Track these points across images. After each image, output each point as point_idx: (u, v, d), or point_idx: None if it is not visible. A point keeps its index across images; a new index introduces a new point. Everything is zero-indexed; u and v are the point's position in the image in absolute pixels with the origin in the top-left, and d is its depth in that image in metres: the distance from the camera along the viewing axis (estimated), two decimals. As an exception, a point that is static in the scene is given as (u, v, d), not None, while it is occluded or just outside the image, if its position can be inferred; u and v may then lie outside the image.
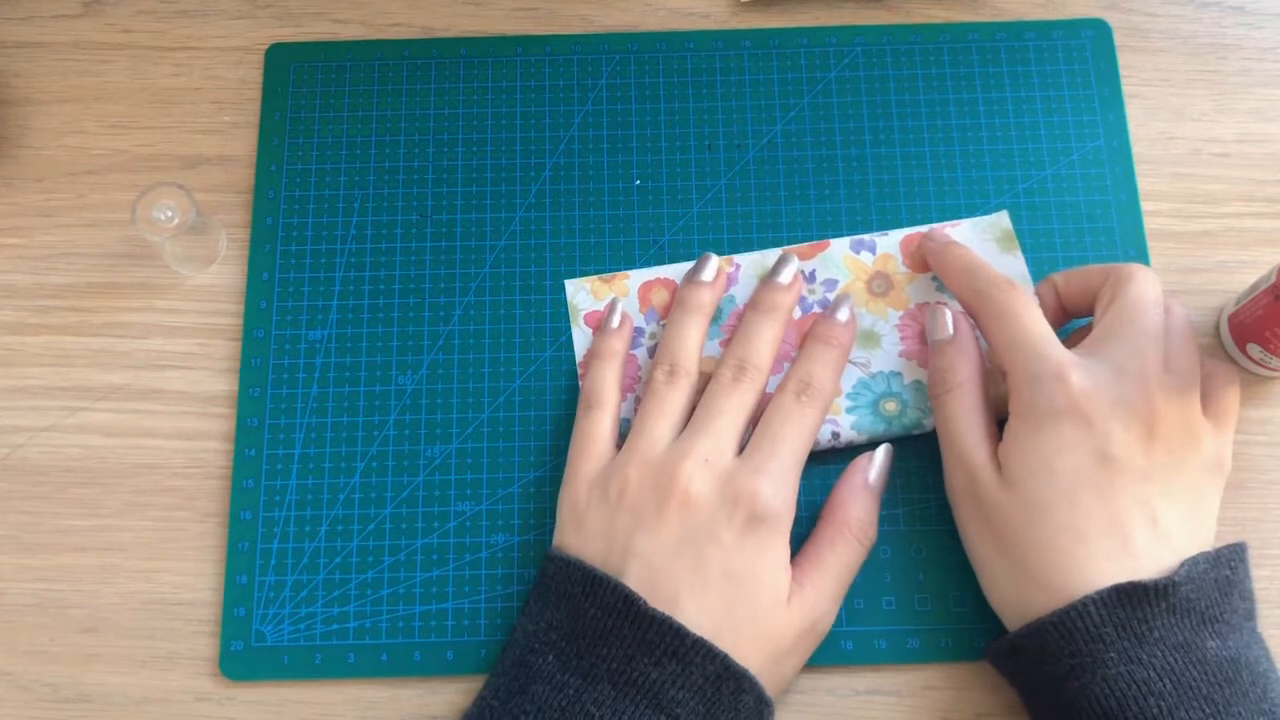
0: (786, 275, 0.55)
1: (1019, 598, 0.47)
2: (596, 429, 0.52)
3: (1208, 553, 0.46)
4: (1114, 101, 0.60)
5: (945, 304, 0.54)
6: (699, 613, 0.46)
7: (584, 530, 0.49)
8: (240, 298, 0.58)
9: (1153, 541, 0.45)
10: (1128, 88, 0.61)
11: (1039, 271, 0.57)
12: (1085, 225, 0.58)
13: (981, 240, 0.57)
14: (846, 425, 0.54)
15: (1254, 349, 0.54)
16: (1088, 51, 0.61)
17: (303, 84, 0.61)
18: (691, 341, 0.53)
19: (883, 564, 0.53)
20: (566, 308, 0.57)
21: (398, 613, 0.53)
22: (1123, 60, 0.61)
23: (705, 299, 0.54)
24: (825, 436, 0.53)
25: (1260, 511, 0.54)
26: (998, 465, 0.48)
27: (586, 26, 0.62)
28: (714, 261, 0.55)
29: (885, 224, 0.58)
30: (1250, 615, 0.46)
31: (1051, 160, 0.59)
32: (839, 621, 0.52)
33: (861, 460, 0.52)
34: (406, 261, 0.58)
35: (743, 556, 0.47)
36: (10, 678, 0.53)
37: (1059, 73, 0.61)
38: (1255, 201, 0.59)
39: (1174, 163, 0.60)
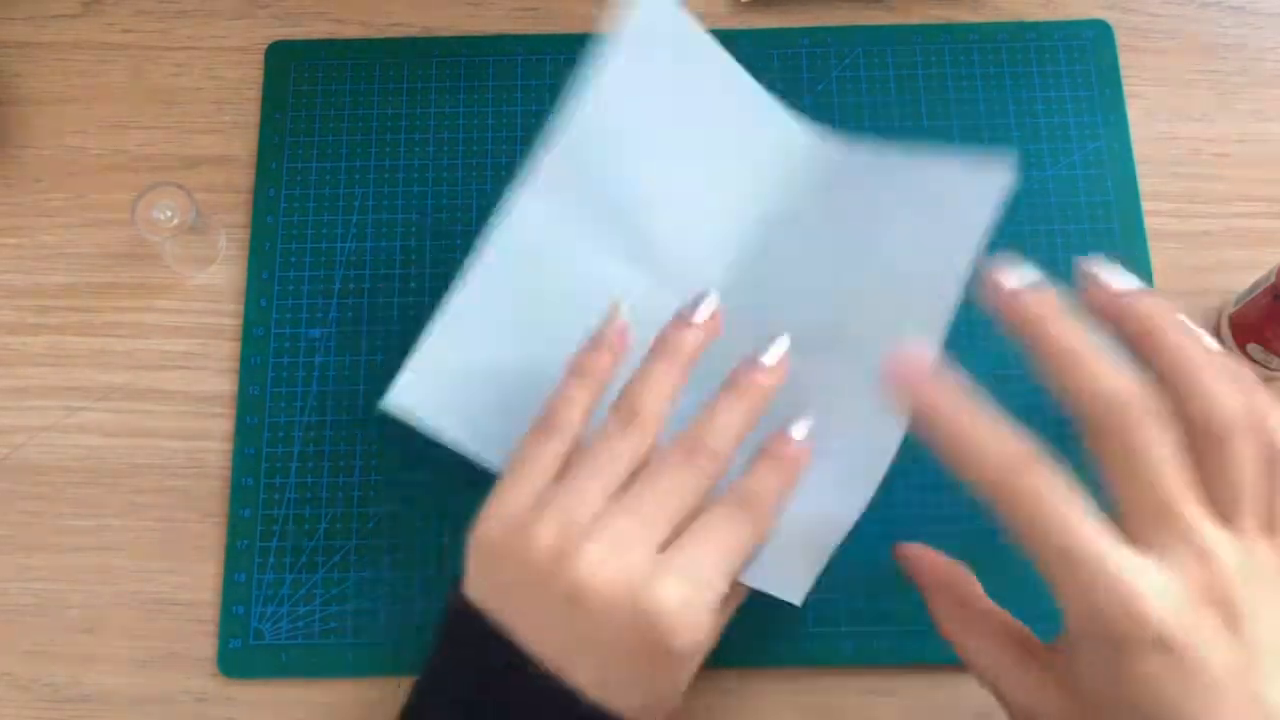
0: (772, 356, 0.46)
1: None
2: (539, 459, 0.44)
3: None
4: (1115, 102, 0.60)
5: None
6: (594, 689, 0.41)
7: (492, 577, 0.43)
8: (240, 297, 0.58)
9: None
10: (1128, 88, 0.61)
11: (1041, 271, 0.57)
12: (1086, 226, 0.58)
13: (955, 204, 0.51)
14: None
15: (1254, 349, 0.54)
16: (1089, 52, 0.61)
17: (303, 83, 0.61)
18: (661, 390, 0.45)
19: (883, 564, 0.53)
20: None
21: (396, 611, 0.53)
22: (1124, 60, 0.61)
23: (689, 343, 0.46)
24: None
25: (1261, 511, 0.54)
26: (1053, 681, 0.40)
27: (586, 26, 0.62)
28: (711, 299, 0.47)
29: (885, 224, 0.58)
30: None
31: (1053, 161, 0.59)
32: (839, 621, 0.52)
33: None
34: (406, 260, 0.58)
35: (636, 670, 0.41)
36: (10, 678, 0.53)
37: (1060, 73, 0.61)
38: (1255, 201, 0.59)
39: (1174, 163, 0.60)
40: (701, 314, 0.47)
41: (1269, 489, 0.38)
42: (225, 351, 0.57)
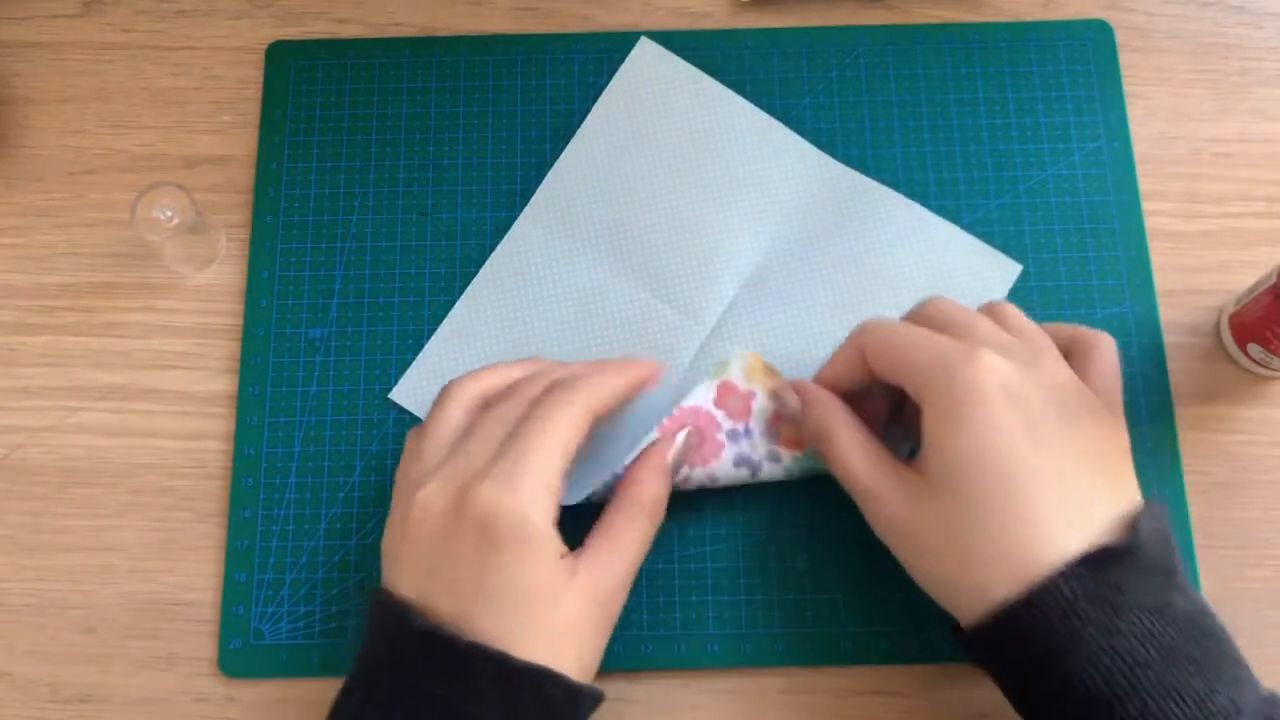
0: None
1: (974, 587, 0.44)
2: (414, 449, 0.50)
3: (1148, 508, 0.44)
4: (1115, 102, 0.60)
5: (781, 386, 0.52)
6: (470, 629, 0.44)
7: (391, 562, 0.47)
8: (240, 297, 0.58)
9: (1084, 512, 0.44)
10: (1129, 88, 0.61)
11: (1041, 273, 0.57)
12: (1086, 226, 0.58)
13: (971, 278, 0.57)
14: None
15: (1254, 349, 0.54)
16: (1089, 52, 0.61)
17: (303, 82, 0.61)
18: (497, 379, 0.50)
19: (882, 564, 0.53)
20: None
21: (397, 612, 0.53)
22: (1124, 60, 0.61)
23: (549, 369, 0.51)
24: (743, 475, 0.52)
25: (1260, 511, 0.54)
26: (908, 481, 0.47)
27: (586, 26, 0.62)
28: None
29: (886, 224, 0.59)
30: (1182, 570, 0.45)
31: (1053, 160, 0.59)
32: (839, 621, 0.52)
33: (662, 442, 0.50)
34: (406, 259, 0.58)
35: (489, 571, 0.44)
36: (10, 678, 0.53)
37: (1060, 73, 0.61)
38: (1255, 201, 0.59)
39: (1174, 163, 0.60)
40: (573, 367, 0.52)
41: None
42: (225, 351, 0.57)
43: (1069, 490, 0.44)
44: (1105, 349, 0.49)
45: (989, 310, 0.50)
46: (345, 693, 0.46)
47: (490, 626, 0.44)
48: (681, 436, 0.51)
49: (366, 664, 0.45)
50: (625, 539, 0.48)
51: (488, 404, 0.49)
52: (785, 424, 0.52)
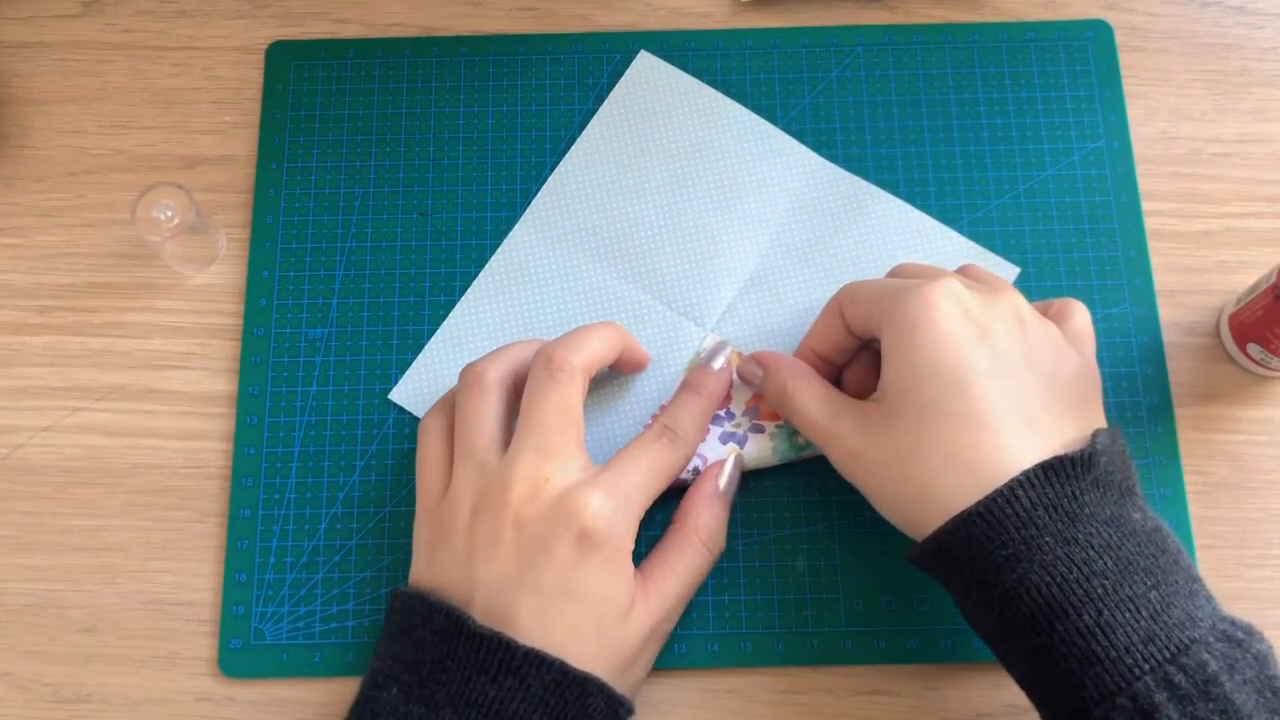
0: (719, 361, 0.53)
1: (933, 503, 0.44)
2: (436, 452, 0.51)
3: (1107, 429, 0.45)
4: (1115, 102, 0.60)
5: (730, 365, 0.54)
6: (539, 629, 0.45)
7: (435, 562, 0.48)
8: (240, 297, 0.58)
9: (1043, 427, 0.44)
10: (1128, 88, 0.61)
11: (1041, 273, 0.57)
12: (1086, 226, 0.58)
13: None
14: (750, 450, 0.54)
15: (1254, 349, 0.54)
16: (1089, 52, 0.61)
17: (303, 82, 0.61)
18: (515, 354, 0.51)
19: (882, 564, 0.53)
20: None
21: (397, 612, 0.53)
22: (1124, 60, 0.61)
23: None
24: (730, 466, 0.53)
25: (1260, 512, 0.54)
26: (866, 414, 0.47)
27: (586, 26, 0.62)
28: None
29: (886, 224, 0.58)
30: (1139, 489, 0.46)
31: (1053, 161, 0.59)
32: (839, 621, 0.52)
33: (712, 468, 0.52)
34: (407, 260, 0.58)
35: (579, 574, 0.45)
36: (10, 678, 0.53)
37: (1060, 73, 0.61)
38: (1255, 201, 0.59)
39: (1174, 163, 0.60)
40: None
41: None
42: (225, 351, 0.57)
43: (1027, 404, 0.45)
44: (1080, 311, 0.50)
45: (958, 268, 0.52)
46: (375, 687, 0.46)
47: (561, 628, 0.45)
48: (731, 461, 0.52)
49: (404, 659, 0.45)
50: (679, 567, 0.49)
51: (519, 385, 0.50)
52: (762, 402, 0.54)
